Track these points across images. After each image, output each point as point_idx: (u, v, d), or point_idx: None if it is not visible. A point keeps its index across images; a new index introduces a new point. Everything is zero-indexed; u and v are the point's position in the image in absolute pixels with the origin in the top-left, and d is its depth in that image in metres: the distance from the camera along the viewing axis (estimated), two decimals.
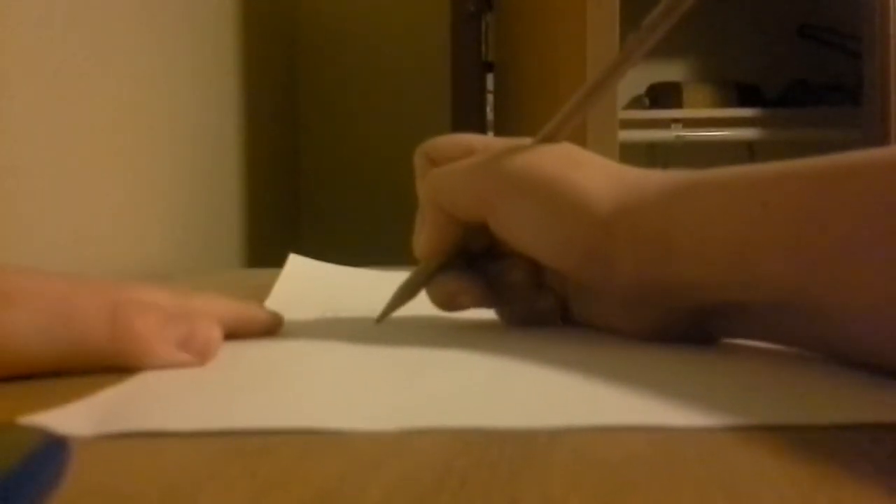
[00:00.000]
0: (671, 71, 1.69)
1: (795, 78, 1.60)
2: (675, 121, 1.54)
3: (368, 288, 0.41)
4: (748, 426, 0.23)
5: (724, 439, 0.22)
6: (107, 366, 0.30)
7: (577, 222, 0.35)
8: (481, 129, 1.55)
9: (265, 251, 1.40)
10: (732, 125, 1.54)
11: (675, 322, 0.35)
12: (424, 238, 0.40)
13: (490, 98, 1.64)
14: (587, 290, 0.37)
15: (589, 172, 0.37)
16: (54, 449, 0.16)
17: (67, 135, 0.76)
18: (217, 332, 0.32)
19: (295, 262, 0.64)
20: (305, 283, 0.57)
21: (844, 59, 1.54)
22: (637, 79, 1.60)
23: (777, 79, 1.61)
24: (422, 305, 0.40)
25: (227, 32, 1.29)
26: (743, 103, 1.55)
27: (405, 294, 0.41)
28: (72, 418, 0.23)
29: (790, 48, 1.67)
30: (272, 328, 0.38)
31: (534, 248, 0.37)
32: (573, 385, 0.28)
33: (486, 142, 0.41)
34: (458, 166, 0.39)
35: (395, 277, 0.42)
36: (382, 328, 0.40)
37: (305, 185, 1.76)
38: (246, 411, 0.25)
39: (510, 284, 0.40)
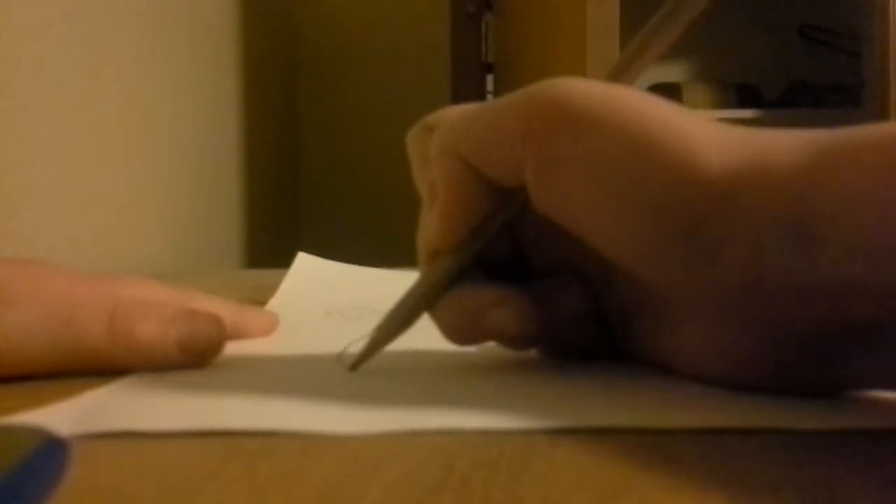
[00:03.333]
0: (671, 71, 1.69)
1: (795, 78, 1.60)
2: None
3: (376, 288, 0.41)
4: (748, 427, 0.23)
5: (723, 440, 0.22)
6: (106, 368, 0.30)
7: (679, 181, 0.24)
8: None
9: (265, 251, 1.40)
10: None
11: (789, 355, 0.25)
12: (436, 214, 0.29)
13: (490, 98, 1.64)
14: (663, 302, 0.27)
15: (693, 118, 0.26)
16: (54, 449, 0.16)
17: (67, 135, 0.76)
18: (218, 334, 0.32)
19: (303, 260, 0.63)
20: (312, 282, 0.57)
21: (844, 59, 1.54)
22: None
23: (777, 79, 1.61)
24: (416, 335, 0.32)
25: (227, 33, 1.29)
26: (743, 104, 1.55)
27: (394, 325, 0.30)
28: (54, 418, 0.23)
29: (790, 48, 1.67)
30: (266, 330, 0.38)
31: (598, 219, 0.26)
32: (574, 388, 0.28)
33: None
34: (488, 102, 0.28)
35: (404, 277, 0.39)
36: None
37: (305, 185, 1.76)
38: (235, 413, 0.25)
39: (560, 309, 0.29)
